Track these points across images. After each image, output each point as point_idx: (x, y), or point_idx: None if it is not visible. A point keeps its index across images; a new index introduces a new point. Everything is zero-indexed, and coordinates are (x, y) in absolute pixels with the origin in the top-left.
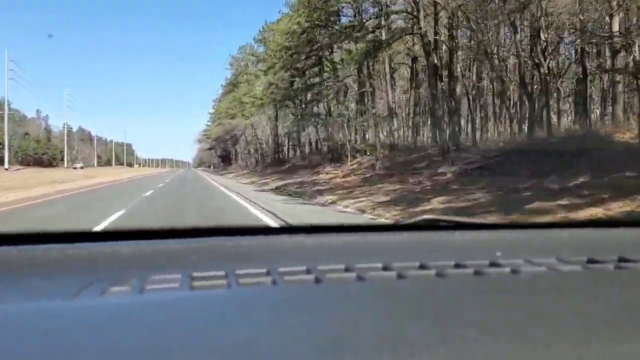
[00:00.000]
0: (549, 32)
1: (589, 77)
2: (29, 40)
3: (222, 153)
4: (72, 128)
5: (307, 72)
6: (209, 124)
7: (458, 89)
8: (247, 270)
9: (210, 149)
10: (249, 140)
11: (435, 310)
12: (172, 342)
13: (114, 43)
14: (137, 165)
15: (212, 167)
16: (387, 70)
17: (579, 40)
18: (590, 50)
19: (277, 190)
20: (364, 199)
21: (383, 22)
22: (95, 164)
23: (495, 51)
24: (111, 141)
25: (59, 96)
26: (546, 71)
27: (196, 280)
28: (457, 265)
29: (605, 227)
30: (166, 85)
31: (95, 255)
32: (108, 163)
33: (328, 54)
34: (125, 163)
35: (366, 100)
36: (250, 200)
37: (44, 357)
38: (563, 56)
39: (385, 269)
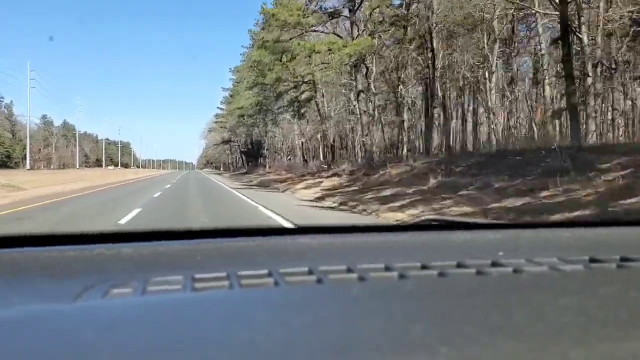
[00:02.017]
0: None
1: None
2: (27, 40)
3: (247, 147)
4: (52, 121)
5: None
6: (221, 107)
7: None
8: (249, 271)
9: (225, 142)
10: (328, 109)
11: (437, 310)
12: (174, 343)
13: (110, 42)
14: (112, 167)
15: (222, 167)
16: None
17: None
18: None
19: None
20: None
21: None
22: (77, 164)
23: None
24: (103, 139)
25: (60, 98)
26: None
27: (198, 282)
28: (459, 265)
29: (608, 226)
30: (166, 86)
31: (97, 257)
32: (97, 163)
33: None
34: (119, 164)
35: None
36: None
37: (47, 359)
38: None
39: (387, 269)
